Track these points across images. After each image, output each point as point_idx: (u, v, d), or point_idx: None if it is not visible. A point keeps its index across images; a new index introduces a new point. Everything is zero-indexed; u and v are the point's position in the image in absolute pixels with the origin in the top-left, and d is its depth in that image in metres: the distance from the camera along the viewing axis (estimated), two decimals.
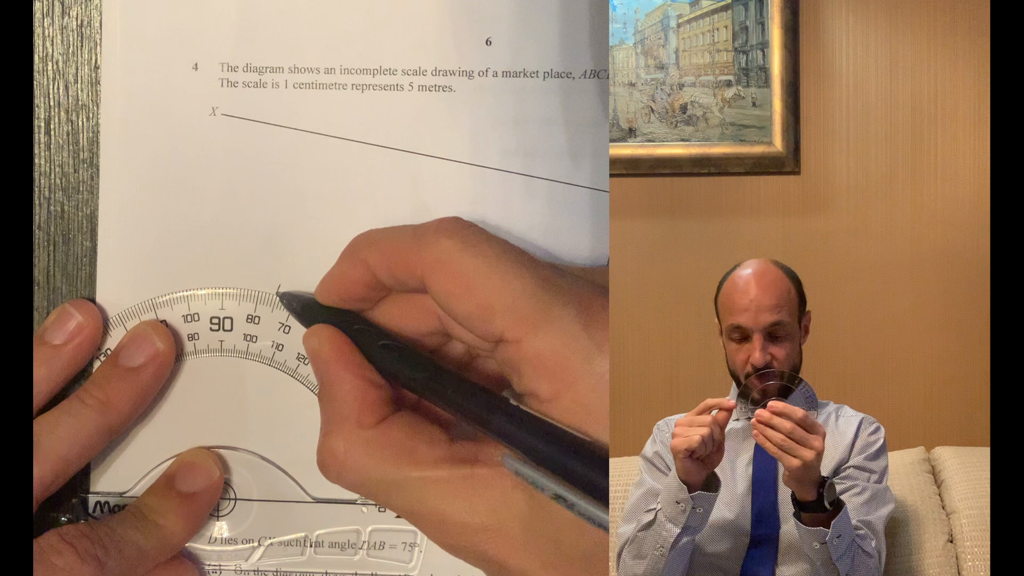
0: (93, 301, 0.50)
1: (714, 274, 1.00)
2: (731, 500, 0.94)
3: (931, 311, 1.41)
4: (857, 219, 1.42)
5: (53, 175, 0.51)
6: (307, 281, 0.47)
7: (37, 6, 0.51)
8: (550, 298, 0.41)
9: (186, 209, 0.50)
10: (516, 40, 0.50)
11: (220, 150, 0.50)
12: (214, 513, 0.51)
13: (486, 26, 0.50)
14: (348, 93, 0.50)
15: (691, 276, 1.39)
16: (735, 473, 0.95)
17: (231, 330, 0.50)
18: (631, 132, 1.42)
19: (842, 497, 0.88)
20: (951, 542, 1.11)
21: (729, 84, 1.41)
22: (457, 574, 0.50)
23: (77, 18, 0.51)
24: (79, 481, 0.50)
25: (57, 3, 0.51)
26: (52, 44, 0.51)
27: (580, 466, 0.39)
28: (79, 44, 0.51)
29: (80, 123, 0.51)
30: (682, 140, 1.42)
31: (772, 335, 0.93)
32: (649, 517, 0.88)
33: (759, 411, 0.84)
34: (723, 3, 1.41)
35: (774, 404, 0.84)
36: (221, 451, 0.51)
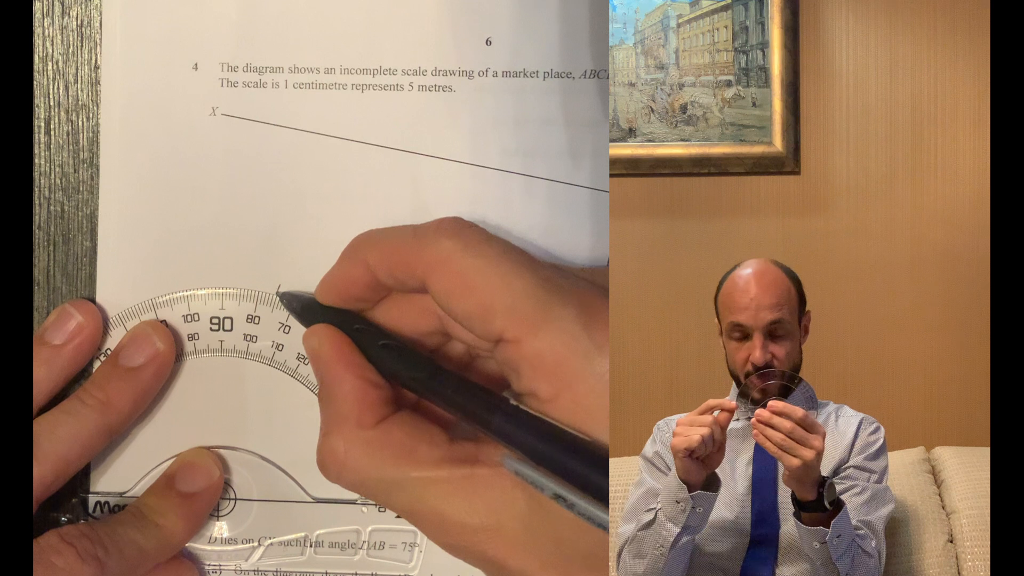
0: (93, 301, 0.50)
1: (714, 274, 1.00)
2: (731, 500, 0.94)
3: (931, 311, 1.41)
4: (857, 219, 1.42)
5: (53, 175, 0.51)
6: (307, 281, 0.47)
7: (37, 6, 0.51)
8: (550, 298, 0.41)
9: (186, 209, 0.50)
10: (516, 40, 0.50)
11: (220, 150, 0.50)
12: (214, 513, 0.51)
13: (486, 26, 0.50)
14: (348, 93, 0.50)
15: (691, 276, 1.39)
16: (735, 473, 0.95)
17: (231, 330, 0.50)
18: (631, 132, 1.42)
19: (842, 497, 0.88)
20: (951, 542, 1.11)
21: (729, 84, 1.41)
22: (457, 574, 0.50)
23: (77, 18, 0.51)
24: (79, 481, 0.50)
25: (57, 3, 0.51)
26: (52, 44, 0.51)
27: (580, 466, 0.39)
28: (79, 44, 0.51)
29: (80, 123, 0.51)
30: (682, 140, 1.42)
31: (772, 334, 0.93)
32: (649, 517, 0.88)
33: (759, 411, 0.84)
34: (723, 3, 1.41)
35: (774, 404, 0.84)
36: (221, 451, 0.51)
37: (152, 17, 0.50)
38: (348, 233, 0.46)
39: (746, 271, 0.96)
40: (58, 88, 0.51)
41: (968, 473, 1.17)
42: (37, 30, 0.51)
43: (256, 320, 0.50)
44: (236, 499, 0.51)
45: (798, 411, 0.83)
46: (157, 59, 0.50)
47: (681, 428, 0.84)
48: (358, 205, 0.50)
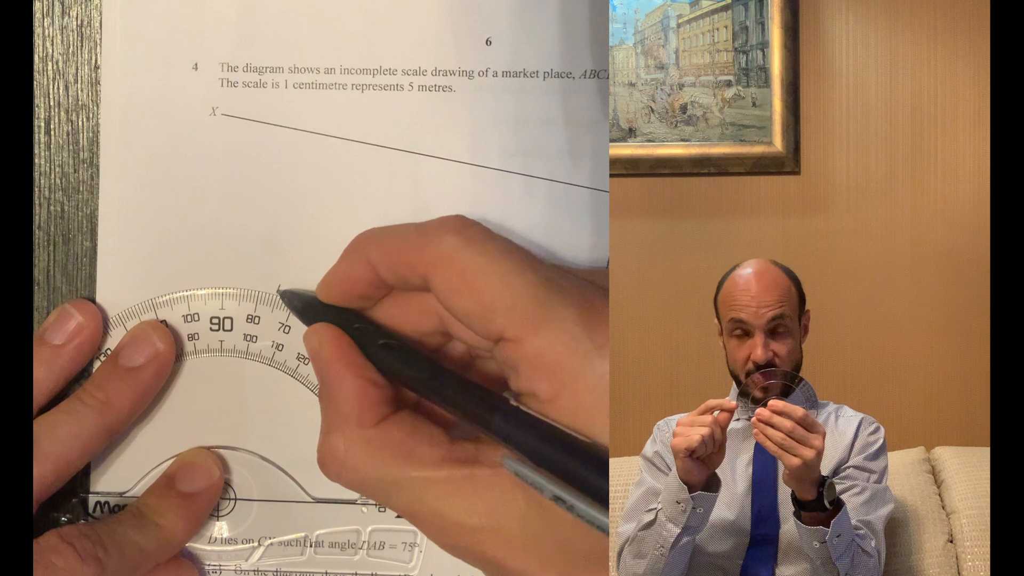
0: (93, 301, 0.50)
1: (714, 274, 1.00)
2: (731, 500, 0.94)
3: (931, 311, 1.41)
4: (857, 219, 1.42)
5: (53, 175, 0.51)
6: (307, 281, 0.47)
7: (37, 6, 0.51)
8: (551, 298, 0.41)
9: (186, 209, 0.50)
10: (516, 40, 0.50)
11: (220, 150, 0.50)
12: (214, 513, 0.51)
13: (486, 26, 0.50)
14: (348, 93, 0.50)
15: (691, 276, 1.39)
16: (735, 473, 0.95)
17: (231, 330, 0.50)
18: (631, 132, 1.42)
19: (842, 497, 0.88)
20: (951, 542, 1.11)
21: (729, 84, 1.41)
22: (457, 574, 0.50)
23: (77, 18, 0.51)
24: (79, 481, 0.50)
25: (57, 3, 0.51)
26: (52, 44, 0.51)
27: (579, 468, 0.39)
28: (79, 44, 0.51)
29: (80, 123, 0.51)
30: (682, 140, 1.42)
31: (774, 332, 0.93)
32: (650, 517, 0.88)
33: (759, 410, 0.84)
34: (723, 3, 1.41)
35: (774, 403, 0.84)
36: (221, 451, 0.51)
37: (152, 17, 0.50)
38: (348, 233, 0.46)
39: (746, 271, 0.96)
40: (58, 88, 0.51)
41: (968, 473, 1.17)
42: (37, 30, 0.51)
43: (256, 320, 0.50)
44: (236, 499, 0.51)
45: (798, 410, 0.83)
46: (157, 59, 0.50)
47: (681, 428, 0.84)
48: (358, 205, 0.50)
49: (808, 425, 0.83)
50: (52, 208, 0.51)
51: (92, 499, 0.51)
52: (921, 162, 1.41)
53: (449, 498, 0.41)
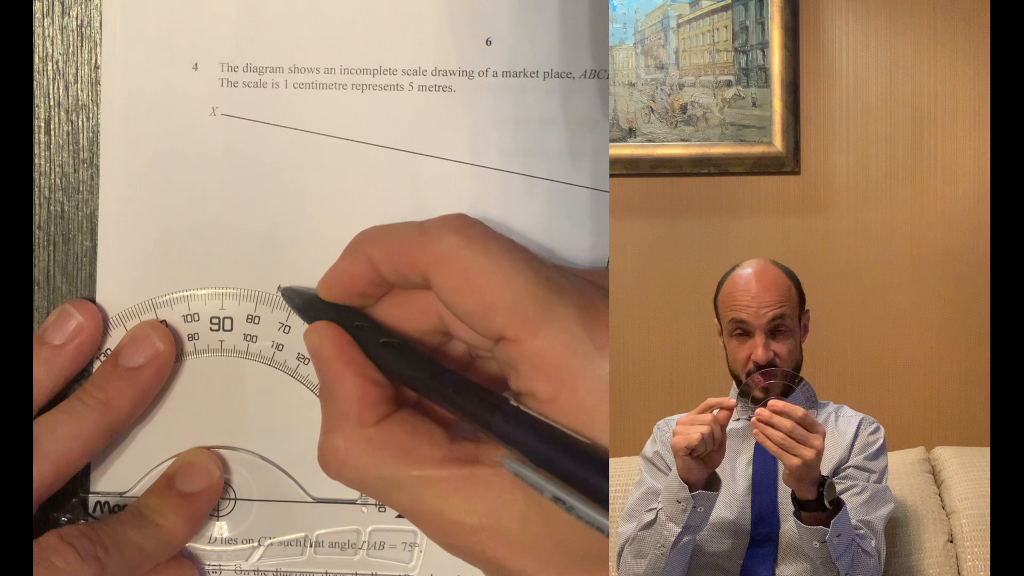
0: (93, 301, 0.50)
1: (714, 274, 1.00)
2: (731, 500, 0.94)
3: (931, 311, 1.41)
4: (857, 219, 1.42)
5: (53, 175, 0.51)
6: (307, 281, 0.47)
7: (37, 6, 0.51)
8: (552, 298, 0.41)
9: (186, 209, 0.50)
10: (516, 40, 0.50)
11: (220, 150, 0.50)
12: (214, 513, 0.51)
13: (486, 26, 0.50)
14: (348, 93, 0.50)
15: (691, 276, 1.39)
16: (735, 473, 0.95)
17: (231, 330, 0.50)
18: (631, 132, 1.42)
19: (842, 497, 0.88)
20: (951, 542, 1.11)
21: (729, 84, 1.41)
22: (457, 574, 0.50)
23: (77, 18, 0.51)
24: (79, 481, 0.50)
25: (57, 3, 0.51)
26: (52, 44, 0.51)
27: (579, 469, 0.39)
28: (79, 44, 0.51)
29: (80, 123, 0.51)
30: (682, 140, 1.42)
31: (774, 332, 0.93)
32: (650, 516, 0.88)
33: (759, 409, 0.84)
34: (723, 3, 1.41)
35: (774, 403, 0.84)
36: (221, 451, 0.51)
37: (152, 17, 0.50)
38: (348, 233, 0.46)
39: (746, 271, 0.96)
40: (58, 88, 0.51)
41: (968, 473, 1.17)
42: (37, 30, 0.51)
43: (256, 320, 0.50)
44: (236, 499, 0.51)
45: (798, 410, 0.83)
46: (157, 59, 0.50)
47: (681, 427, 0.84)
48: (358, 205, 0.50)
49: (808, 425, 0.83)
50: (52, 208, 0.51)
51: (92, 499, 0.51)
52: (921, 162, 1.41)
53: (449, 497, 0.41)
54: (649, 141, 1.42)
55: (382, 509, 0.51)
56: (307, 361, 0.50)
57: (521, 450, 0.41)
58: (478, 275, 0.42)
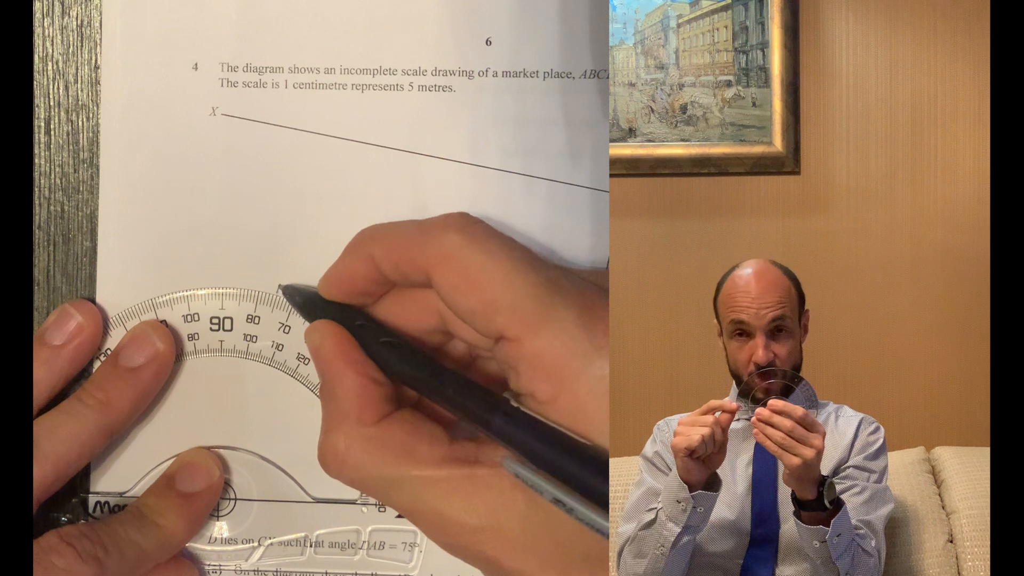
0: (93, 301, 0.50)
1: (714, 274, 1.00)
2: (731, 500, 0.94)
3: (931, 311, 1.41)
4: (857, 219, 1.42)
5: (53, 175, 0.51)
6: (307, 281, 0.47)
7: (37, 6, 0.51)
8: (553, 298, 0.41)
9: (186, 209, 0.50)
10: (516, 40, 0.50)
11: (220, 150, 0.50)
12: (214, 513, 0.51)
13: (486, 26, 0.50)
14: (348, 93, 0.50)
15: (691, 276, 1.39)
16: (735, 473, 0.95)
17: (231, 330, 0.50)
18: (631, 132, 1.42)
19: (842, 497, 0.88)
20: (951, 542, 1.11)
21: (729, 84, 1.41)
22: (457, 574, 0.50)
23: (77, 18, 0.51)
24: (79, 481, 0.50)
25: (57, 3, 0.51)
26: (52, 44, 0.51)
27: (579, 470, 0.39)
28: (79, 44, 0.51)
29: (80, 123, 0.51)
30: (682, 140, 1.42)
31: (774, 332, 0.93)
32: (650, 516, 0.88)
33: (759, 409, 0.84)
34: (723, 3, 1.41)
35: (774, 403, 0.84)
36: (221, 451, 0.51)
37: (152, 17, 0.50)
38: (348, 233, 0.46)
39: (746, 271, 0.96)
40: (58, 88, 0.51)
41: (968, 473, 1.17)
42: (37, 30, 0.51)
43: (256, 320, 0.50)
44: (236, 499, 0.51)
45: (798, 410, 0.83)
46: (157, 59, 0.50)
47: (682, 428, 0.84)
48: (358, 205, 0.50)
49: (808, 425, 0.83)
50: (52, 208, 0.51)
51: (92, 499, 0.51)
52: (921, 162, 1.41)
53: (449, 497, 0.41)
54: (649, 141, 1.42)
55: (382, 509, 0.51)
56: (307, 361, 0.50)
57: (521, 450, 0.41)
58: (479, 274, 0.42)
